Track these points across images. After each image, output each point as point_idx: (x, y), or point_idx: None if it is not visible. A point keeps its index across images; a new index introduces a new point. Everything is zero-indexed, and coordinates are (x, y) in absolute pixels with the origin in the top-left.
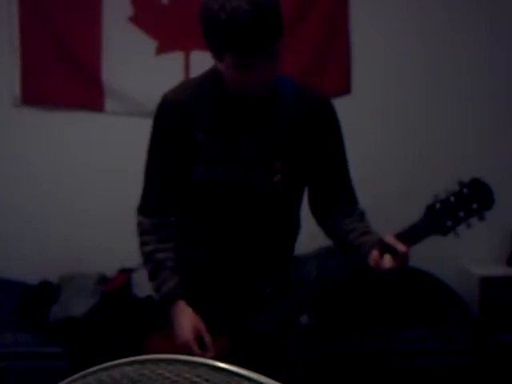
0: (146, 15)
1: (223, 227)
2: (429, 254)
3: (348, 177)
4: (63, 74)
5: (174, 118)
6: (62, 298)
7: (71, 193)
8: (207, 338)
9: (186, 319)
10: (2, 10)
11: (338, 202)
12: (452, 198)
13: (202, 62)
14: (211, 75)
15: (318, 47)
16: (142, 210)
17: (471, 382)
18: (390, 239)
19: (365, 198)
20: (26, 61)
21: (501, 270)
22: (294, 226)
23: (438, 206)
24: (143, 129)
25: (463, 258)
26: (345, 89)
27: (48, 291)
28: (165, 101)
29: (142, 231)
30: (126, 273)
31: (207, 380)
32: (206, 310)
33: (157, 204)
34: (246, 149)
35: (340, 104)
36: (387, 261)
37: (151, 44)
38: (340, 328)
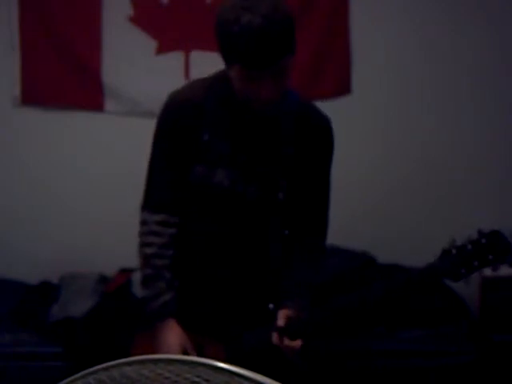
0: (146, 15)
1: (222, 232)
2: (429, 255)
3: (325, 206)
4: (63, 74)
5: (183, 115)
6: (62, 298)
7: (71, 193)
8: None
9: (175, 336)
10: (2, 10)
11: (307, 226)
12: (469, 246)
13: (202, 62)
14: (222, 77)
15: (318, 47)
16: (148, 205)
17: (471, 382)
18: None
19: (365, 197)
20: (26, 61)
21: (501, 271)
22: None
23: (453, 251)
24: (143, 129)
25: None
26: (345, 89)
27: (48, 291)
28: (174, 99)
29: (147, 231)
30: (126, 273)
31: (207, 380)
32: (207, 320)
33: (164, 200)
34: (249, 157)
35: (340, 104)
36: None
37: (151, 44)
38: (339, 328)
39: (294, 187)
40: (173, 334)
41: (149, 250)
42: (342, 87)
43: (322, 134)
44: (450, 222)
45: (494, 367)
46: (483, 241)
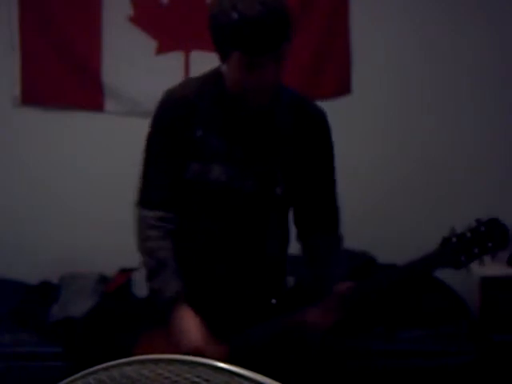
0: (146, 15)
1: (219, 229)
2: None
3: (333, 196)
4: (63, 74)
5: (177, 112)
6: (62, 298)
7: (71, 193)
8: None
9: (193, 323)
10: (2, 10)
11: (319, 221)
12: (468, 234)
13: (202, 62)
14: (214, 75)
15: (318, 47)
16: (145, 202)
17: (471, 382)
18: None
19: (365, 197)
20: (26, 61)
21: (501, 270)
22: (286, 234)
23: (453, 239)
24: (143, 129)
25: None
26: (345, 89)
27: (48, 291)
28: (168, 95)
29: (146, 226)
30: (126, 273)
31: (207, 380)
32: (209, 318)
33: (161, 198)
34: (244, 152)
35: (340, 104)
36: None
37: (151, 44)
38: (340, 328)
39: (296, 182)
40: (191, 320)
41: (150, 244)
42: (342, 87)
43: (318, 126)
44: (450, 222)
45: (493, 367)
46: (482, 229)
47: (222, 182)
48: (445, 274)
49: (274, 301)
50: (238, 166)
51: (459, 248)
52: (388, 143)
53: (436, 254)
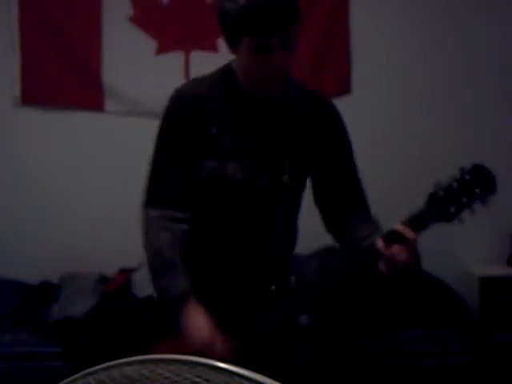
0: (146, 15)
1: (227, 225)
2: (429, 254)
3: (357, 181)
4: (63, 74)
5: (188, 109)
6: (62, 298)
7: (71, 193)
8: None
9: (202, 320)
10: (2, 10)
11: (348, 207)
12: (454, 185)
13: (202, 62)
14: (222, 73)
15: (318, 47)
16: (155, 202)
17: (471, 382)
18: (399, 227)
19: None
20: (26, 61)
21: (501, 270)
22: (295, 227)
23: (440, 193)
24: (143, 129)
25: (463, 258)
26: (345, 89)
27: (48, 291)
28: (179, 94)
29: (156, 226)
30: (126, 273)
31: (207, 380)
32: (212, 309)
33: (172, 196)
34: (258, 147)
35: (340, 104)
36: (399, 251)
37: (151, 44)
38: (340, 328)
39: (301, 169)
40: (201, 316)
41: (158, 244)
42: (342, 87)
43: (328, 113)
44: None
45: (493, 367)
46: (467, 177)
47: (239, 179)
48: (445, 274)
49: (273, 287)
50: (253, 162)
51: (447, 200)
52: (388, 143)
53: (425, 211)
